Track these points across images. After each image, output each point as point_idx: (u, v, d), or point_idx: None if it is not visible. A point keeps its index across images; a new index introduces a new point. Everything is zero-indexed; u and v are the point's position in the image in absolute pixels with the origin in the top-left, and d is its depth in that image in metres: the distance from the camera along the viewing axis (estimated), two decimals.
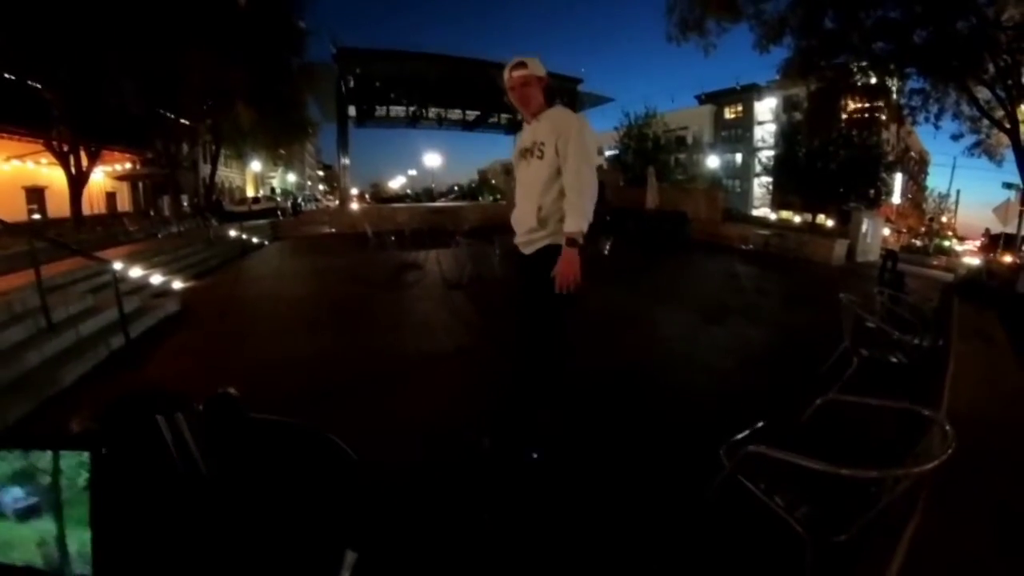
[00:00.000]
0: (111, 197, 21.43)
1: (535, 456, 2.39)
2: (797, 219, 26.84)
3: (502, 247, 7.06)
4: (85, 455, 0.78)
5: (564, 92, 24.79)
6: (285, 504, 1.05)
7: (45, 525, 0.78)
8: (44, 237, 4.67)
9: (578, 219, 2.11)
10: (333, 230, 16.87)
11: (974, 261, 14.90)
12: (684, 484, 2.23)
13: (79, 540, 0.77)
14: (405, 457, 2.42)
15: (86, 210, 14.68)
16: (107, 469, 0.78)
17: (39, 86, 11.53)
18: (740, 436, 1.72)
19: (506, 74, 2.26)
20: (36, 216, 16.67)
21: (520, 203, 2.35)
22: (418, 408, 3.07)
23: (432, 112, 27.53)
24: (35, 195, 17.11)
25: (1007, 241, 13.87)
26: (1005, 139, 12.28)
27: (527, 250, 2.33)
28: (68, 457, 0.78)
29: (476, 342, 4.43)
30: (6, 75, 10.87)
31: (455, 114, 27.90)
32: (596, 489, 2.26)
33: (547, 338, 2.33)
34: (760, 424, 1.80)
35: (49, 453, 0.78)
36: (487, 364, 3.82)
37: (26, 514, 0.78)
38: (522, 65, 2.22)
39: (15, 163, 15.60)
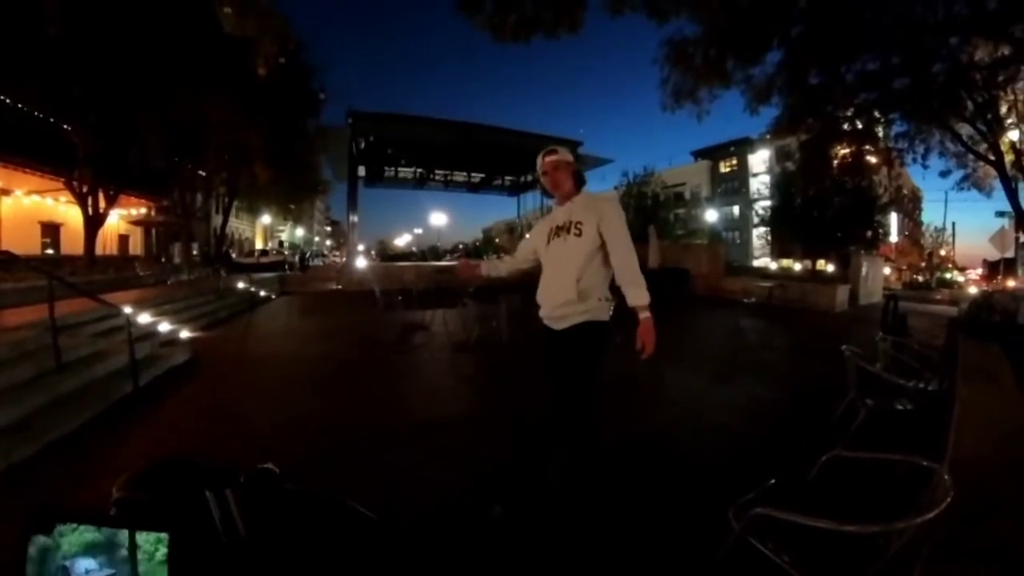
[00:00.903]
0: (124, 240, 21.92)
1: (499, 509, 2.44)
2: (798, 266, 27.01)
3: (508, 308, 7.17)
4: (164, 535, 0.81)
5: None
6: (315, 570, 1.07)
7: None
8: (59, 278, 4.75)
9: (643, 291, 2.25)
10: (340, 287, 17.04)
11: (973, 290, 14.89)
12: (694, 545, 2.23)
13: None
14: (417, 523, 2.40)
15: (99, 250, 14.96)
16: (175, 546, 0.81)
17: (68, 127, 12.06)
18: (748, 497, 1.77)
19: (539, 160, 2.49)
20: (49, 251, 17.01)
21: (554, 278, 2.42)
22: (427, 474, 3.03)
23: (439, 174, 28.51)
24: (51, 231, 17.53)
25: (1007, 266, 13.96)
26: (992, 171, 12.70)
27: (559, 325, 2.38)
28: (145, 535, 0.81)
29: (484, 408, 4.39)
30: (37, 113, 11.40)
31: (460, 176, 28.77)
32: (608, 551, 2.24)
33: (585, 413, 2.36)
34: (769, 483, 1.85)
35: (126, 530, 0.81)
36: (496, 431, 3.79)
37: None
38: (553, 152, 2.49)
39: (35, 198, 16.08)
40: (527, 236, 2.84)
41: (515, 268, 2.82)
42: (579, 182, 2.51)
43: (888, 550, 1.40)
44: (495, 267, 2.91)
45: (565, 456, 2.40)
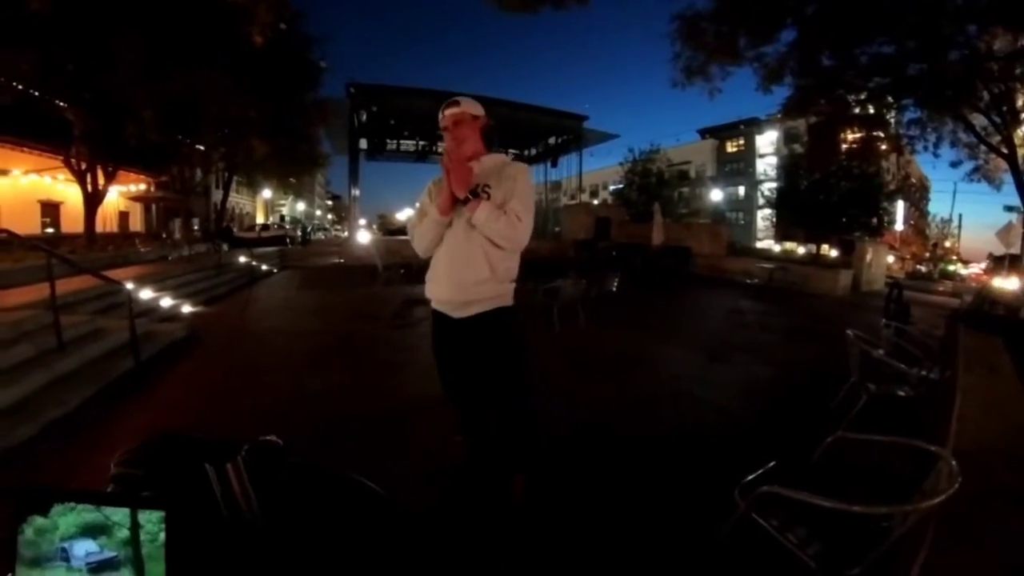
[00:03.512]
0: (124, 216, 21.86)
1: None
2: (801, 250, 26.96)
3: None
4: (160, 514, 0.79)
5: (570, 129, 25.36)
6: (326, 547, 1.05)
7: None
8: (59, 256, 4.72)
9: (490, 220, 1.90)
10: (341, 261, 17.03)
11: (974, 286, 14.88)
12: (697, 523, 2.23)
13: None
14: (421, 499, 2.39)
15: (99, 228, 14.94)
16: (176, 524, 0.79)
17: (63, 105, 11.90)
18: (753, 476, 1.77)
19: (440, 114, 2.09)
20: (50, 230, 17.00)
21: (458, 254, 2.01)
22: (429, 448, 3.01)
23: (440, 147, 28.18)
24: (50, 209, 17.49)
25: (1012, 262, 13.93)
26: (1003, 164, 12.50)
27: (461, 312, 2.05)
28: (147, 514, 0.78)
29: None
30: (32, 91, 11.24)
31: None
32: (610, 529, 2.25)
33: (523, 408, 2.25)
34: (772, 464, 1.85)
35: (126, 509, 0.79)
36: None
37: (100, 568, 0.78)
38: (454, 103, 2.07)
39: (33, 177, 15.99)
40: (417, 206, 2.34)
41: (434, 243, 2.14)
42: (488, 141, 2.15)
43: (892, 533, 1.42)
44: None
45: (504, 450, 2.34)
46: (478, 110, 2.10)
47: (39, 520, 0.76)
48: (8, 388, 3.34)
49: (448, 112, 2.06)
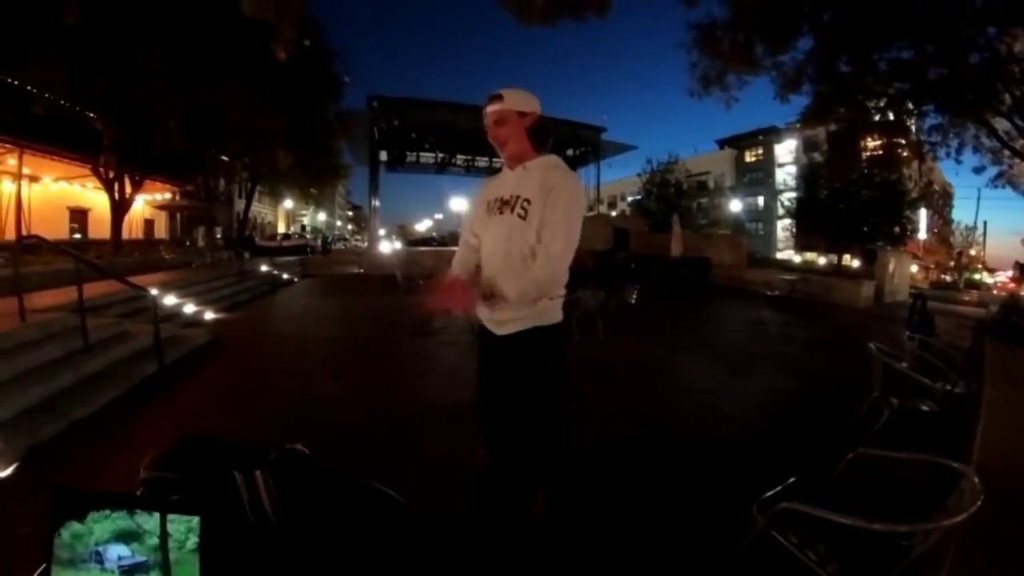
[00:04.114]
0: (149, 224, 22.52)
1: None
2: (822, 260, 26.48)
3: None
4: (195, 519, 0.81)
5: (588, 141, 25.41)
6: (349, 556, 1.06)
7: None
8: (87, 261, 4.89)
9: (522, 290, 1.77)
10: (361, 271, 17.23)
11: (1000, 295, 14.36)
12: (715, 538, 2.20)
13: None
14: (441, 510, 2.36)
15: (125, 235, 15.42)
16: (209, 529, 0.81)
17: (93, 115, 12.36)
18: (773, 492, 1.75)
19: (484, 111, 1.86)
20: (77, 236, 17.59)
21: (492, 268, 1.90)
22: (448, 460, 2.99)
23: (460, 159, 28.50)
24: (78, 216, 18.12)
25: None
26: None
27: (500, 329, 1.94)
28: (177, 520, 0.81)
29: None
30: (63, 102, 11.70)
31: (482, 161, 28.78)
32: (628, 543, 2.23)
33: (552, 431, 2.15)
34: (792, 479, 1.83)
35: (156, 515, 0.81)
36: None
37: (131, 570, 0.80)
38: (497, 98, 1.81)
39: (63, 184, 16.60)
40: (467, 210, 2.28)
41: (470, 268, 2.12)
42: (538, 142, 1.87)
43: (913, 551, 1.39)
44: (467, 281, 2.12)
45: (528, 468, 2.26)
46: (526, 105, 1.83)
47: (76, 526, 0.79)
48: (35, 386, 3.45)
49: (489, 109, 1.82)
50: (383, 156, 26.44)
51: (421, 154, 28.48)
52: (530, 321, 1.86)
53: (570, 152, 27.63)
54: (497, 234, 1.86)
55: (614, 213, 39.09)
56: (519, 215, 1.79)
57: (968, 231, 42.61)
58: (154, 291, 5.08)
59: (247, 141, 15.20)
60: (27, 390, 3.37)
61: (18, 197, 13.77)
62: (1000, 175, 13.40)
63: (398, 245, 31.92)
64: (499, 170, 2.06)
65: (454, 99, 22.48)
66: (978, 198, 37.07)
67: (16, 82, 10.50)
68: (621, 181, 41.72)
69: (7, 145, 12.59)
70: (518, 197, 1.81)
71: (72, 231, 17.73)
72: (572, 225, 1.76)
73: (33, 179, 15.53)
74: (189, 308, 7.53)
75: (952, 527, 1.32)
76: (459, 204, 44.34)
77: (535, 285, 1.77)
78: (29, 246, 8.18)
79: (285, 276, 14.22)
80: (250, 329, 7.19)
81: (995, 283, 28.58)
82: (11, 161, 13.38)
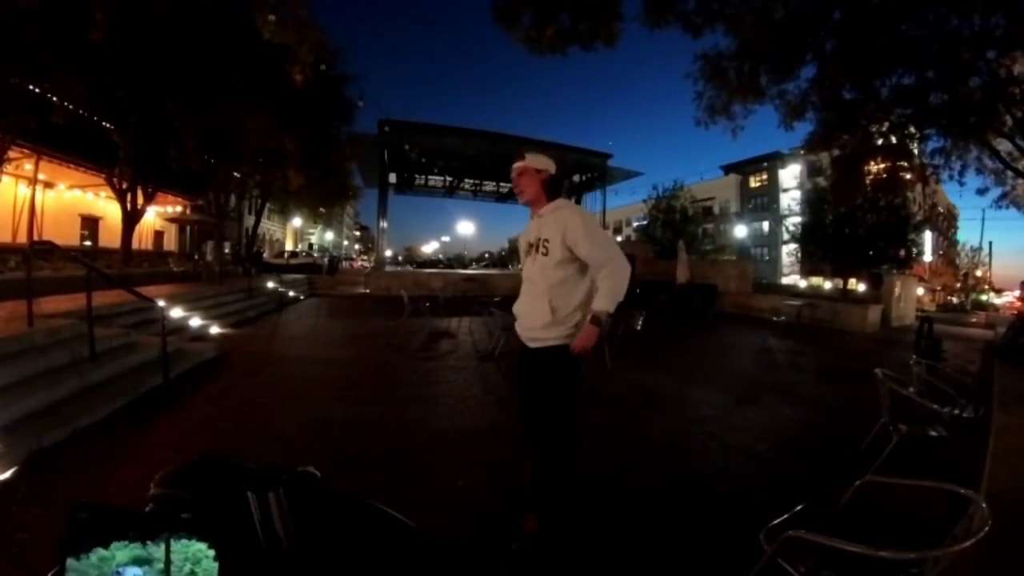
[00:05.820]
0: (159, 236, 22.86)
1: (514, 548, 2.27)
2: (828, 285, 26.28)
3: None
4: (201, 547, 0.81)
5: (595, 167, 25.72)
6: None
7: None
8: (97, 269, 4.92)
9: (608, 301, 2.12)
10: (368, 291, 17.30)
11: (1008, 316, 14.18)
12: (722, 567, 2.18)
13: None
14: (447, 535, 2.38)
15: (135, 245, 15.68)
16: (224, 552, 0.81)
17: (110, 127, 12.65)
18: (779, 520, 1.73)
19: (512, 167, 2.40)
20: (88, 243, 17.85)
21: (528, 297, 2.34)
22: (454, 485, 2.99)
23: (468, 183, 28.84)
24: (90, 223, 18.46)
25: None
26: None
27: (533, 344, 2.31)
28: (189, 543, 0.82)
29: (510, 420, 4.27)
30: (83, 113, 12.00)
31: (489, 186, 29.04)
32: (633, 570, 2.21)
33: (557, 439, 2.28)
34: (799, 507, 1.81)
35: (163, 541, 0.82)
36: (521, 445, 3.74)
37: None
38: (521, 158, 2.37)
39: (76, 192, 16.96)
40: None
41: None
42: (551, 192, 2.35)
43: None
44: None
45: (538, 480, 2.33)
46: (541, 164, 2.34)
47: (101, 552, 0.81)
48: (42, 391, 3.47)
49: (515, 165, 2.37)
50: (392, 179, 26.80)
51: (430, 177, 28.83)
52: (554, 340, 2.21)
53: (577, 178, 27.92)
54: (533, 270, 2.31)
55: (620, 238, 39.19)
56: (542, 253, 2.25)
57: (974, 252, 42.48)
58: (162, 303, 5.11)
59: (261, 160, 15.51)
60: (32, 395, 3.40)
61: (32, 202, 14.07)
62: (1004, 196, 13.45)
63: (404, 266, 31.99)
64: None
65: (464, 124, 22.94)
66: (982, 219, 37.06)
67: (38, 90, 10.80)
68: (627, 207, 42.01)
69: (25, 150, 12.94)
70: (540, 239, 2.27)
71: (83, 238, 18.00)
72: (596, 237, 2.17)
73: (48, 185, 15.88)
74: (196, 322, 7.56)
75: (959, 554, 1.29)
76: (466, 227, 44.88)
77: (611, 290, 2.13)
78: (41, 251, 8.26)
79: (292, 294, 14.30)
80: (257, 346, 7.19)
81: (1003, 303, 28.26)
82: (28, 166, 13.73)
